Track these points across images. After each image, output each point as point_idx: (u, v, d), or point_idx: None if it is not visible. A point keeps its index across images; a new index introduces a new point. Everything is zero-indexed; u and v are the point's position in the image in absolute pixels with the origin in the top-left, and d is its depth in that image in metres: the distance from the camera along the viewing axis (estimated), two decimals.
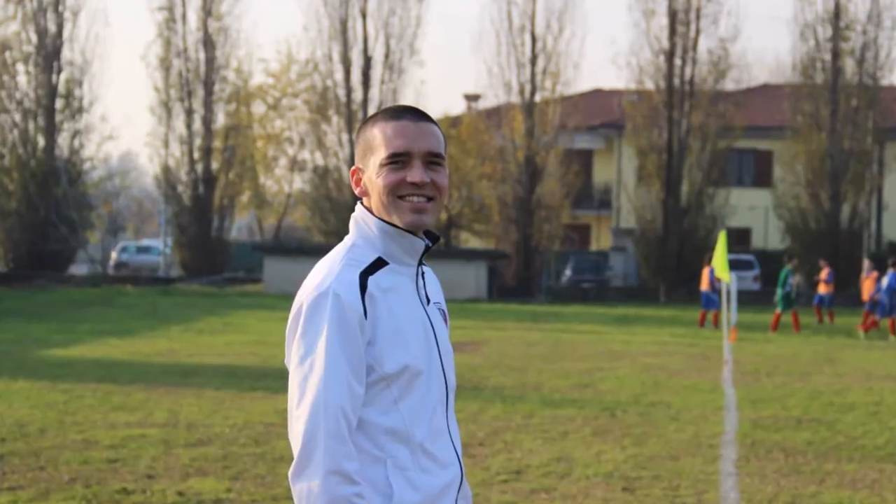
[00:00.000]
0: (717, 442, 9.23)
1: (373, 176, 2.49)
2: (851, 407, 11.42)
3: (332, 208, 37.84)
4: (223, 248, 39.95)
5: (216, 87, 39.15)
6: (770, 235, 38.68)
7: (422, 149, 2.46)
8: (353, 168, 2.57)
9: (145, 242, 52.81)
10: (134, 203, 59.89)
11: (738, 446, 9.06)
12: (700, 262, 27.14)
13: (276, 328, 19.99)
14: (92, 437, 8.82)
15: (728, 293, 16.89)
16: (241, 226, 57.00)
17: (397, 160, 2.46)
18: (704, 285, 23.47)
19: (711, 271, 22.20)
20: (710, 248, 27.29)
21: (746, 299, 29.53)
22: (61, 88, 38.00)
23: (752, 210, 39.27)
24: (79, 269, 39.92)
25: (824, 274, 24.86)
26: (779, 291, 22.78)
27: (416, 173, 2.45)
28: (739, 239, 38.51)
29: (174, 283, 37.26)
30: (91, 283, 34.92)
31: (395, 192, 2.46)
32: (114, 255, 44.51)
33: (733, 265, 23.77)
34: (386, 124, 2.49)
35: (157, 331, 19.77)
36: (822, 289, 24.96)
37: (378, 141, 2.49)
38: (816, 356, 17.12)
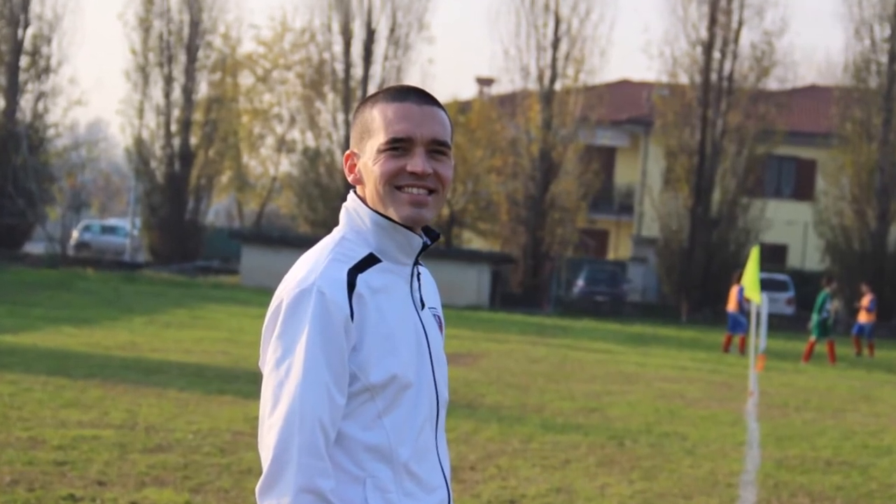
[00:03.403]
0: (736, 481, 9.23)
1: (369, 162, 2.49)
2: (888, 450, 11.42)
3: (321, 195, 37.88)
4: (197, 234, 39.97)
5: (200, 54, 39.20)
6: (808, 254, 38.70)
7: (425, 135, 2.46)
8: (348, 152, 2.57)
9: (111, 222, 52.85)
10: (101, 177, 59.94)
11: (759, 488, 9.06)
12: (728, 280, 27.15)
13: (252, 326, 20.01)
14: (39, 436, 8.82)
15: (758, 316, 16.89)
16: (218, 209, 57.02)
17: (397, 146, 2.46)
18: (732, 306, 23.47)
19: (740, 290, 22.19)
20: (741, 265, 27.29)
21: (778, 324, 29.54)
22: (27, 45, 38.08)
23: (790, 225, 39.29)
24: (35, 247, 39.93)
25: (866, 301, 24.86)
26: (814, 317, 22.78)
27: (417, 162, 2.45)
28: (774, 256, 38.52)
29: (140, 269, 37.28)
30: (48, 264, 34.94)
31: (393, 182, 2.46)
32: (75, 234, 44.53)
33: (765, 285, 23.79)
34: (387, 106, 2.49)
35: (118, 321, 19.77)
36: (863, 317, 24.96)
37: (377, 124, 2.49)
38: (852, 392, 17.13)
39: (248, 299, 27.24)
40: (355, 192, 2.57)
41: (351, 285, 2.41)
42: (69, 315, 19.99)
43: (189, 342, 17.10)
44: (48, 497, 7.00)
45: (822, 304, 22.75)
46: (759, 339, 16.26)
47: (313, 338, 2.36)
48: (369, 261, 2.48)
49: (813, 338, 22.53)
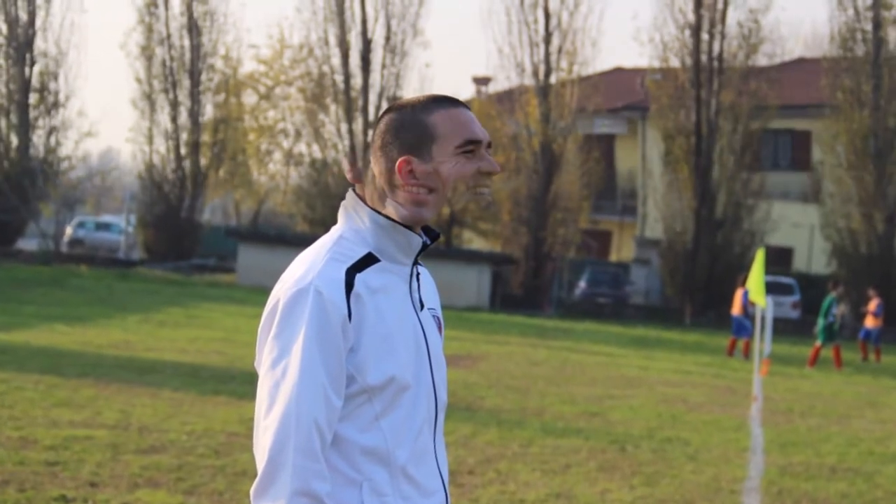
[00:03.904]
0: (739, 488, 9.23)
1: (441, 166, 2.49)
2: (894, 457, 11.41)
3: (319, 194, 37.94)
4: (193, 231, 40.01)
5: (203, 77, 39.53)
6: (814, 257, 38.68)
7: (486, 138, 2.55)
8: (402, 159, 2.50)
9: (105, 219, 52.81)
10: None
11: (763, 495, 9.06)
12: (733, 283, 27.14)
13: (248, 325, 20.02)
14: (30, 436, 8.82)
15: (762, 320, 16.90)
16: (215, 207, 57.04)
17: (470, 148, 2.51)
18: (736, 309, 23.47)
19: (745, 294, 22.19)
20: (746, 268, 27.29)
21: (783, 328, 29.53)
22: (35, 82, 38.62)
23: (796, 228, 39.26)
24: (28, 243, 39.93)
25: (873, 305, 24.85)
26: (820, 322, 22.78)
27: (492, 162, 2.53)
28: (780, 259, 38.51)
29: (135, 266, 37.28)
30: (41, 261, 34.96)
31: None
32: (69, 230, 44.53)
33: (770, 288, 23.79)
34: (446, 111, 2.52)
35: (111, 319, 19.77)
36: (870, 322, 24.95)
37: (443, 128, 2.49)
38: (858, 398, 17.13)
39: (245, 298, 27.23)
40: (354, 190, 2.56)
41: (349, 285, 2.41)
42: (62, 313, 19.99)
43: (184, 341, 17.10)
44: (39, 498, 7.00)
45: (828, 308, 22.75)
46: (763, 343, 16.25)
47: (310, 338, 2.36)
48: (368, 260, 2.48)
49: (818, 342, 22.53)
